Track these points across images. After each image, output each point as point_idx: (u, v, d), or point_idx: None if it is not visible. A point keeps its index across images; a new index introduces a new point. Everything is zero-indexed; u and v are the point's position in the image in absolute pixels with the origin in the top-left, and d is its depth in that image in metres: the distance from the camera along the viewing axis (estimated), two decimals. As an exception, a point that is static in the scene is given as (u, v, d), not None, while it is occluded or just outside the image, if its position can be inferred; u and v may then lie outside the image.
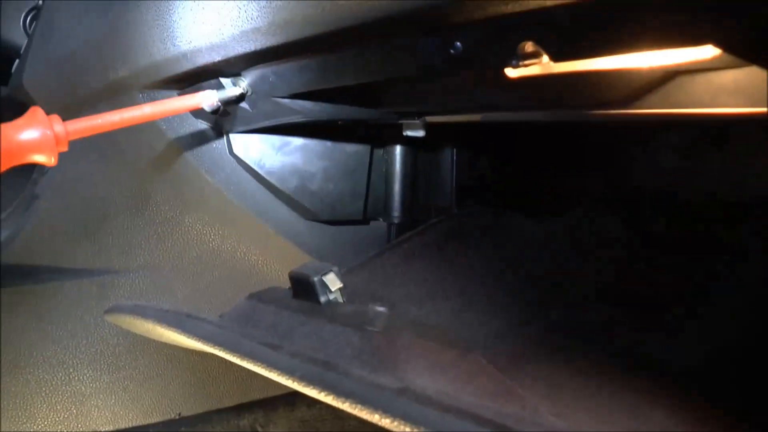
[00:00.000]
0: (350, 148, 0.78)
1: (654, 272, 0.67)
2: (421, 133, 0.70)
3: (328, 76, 0.58)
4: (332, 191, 0.77)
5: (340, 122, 0.70)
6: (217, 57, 0.59)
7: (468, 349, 0.43)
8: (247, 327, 0.50)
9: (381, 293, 0.64)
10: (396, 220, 0.81)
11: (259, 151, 0.74)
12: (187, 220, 0.78)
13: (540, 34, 0.39)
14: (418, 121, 0.68)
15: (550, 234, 0.76)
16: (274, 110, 0.66)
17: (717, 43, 0.33)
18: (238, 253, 0.77)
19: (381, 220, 0.82)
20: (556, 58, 0.40)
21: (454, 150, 0.84)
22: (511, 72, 0.45)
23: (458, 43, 0.43)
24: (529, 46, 0.40)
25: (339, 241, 0.79)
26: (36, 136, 0.45)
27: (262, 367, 0.40)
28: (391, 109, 0.67)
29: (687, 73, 0.42)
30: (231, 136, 0.73)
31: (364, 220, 0.81)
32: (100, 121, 0.50)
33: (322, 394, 0.35)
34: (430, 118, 0.68)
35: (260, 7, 0.51)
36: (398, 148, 0.80)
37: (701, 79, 0.42)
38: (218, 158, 0.73)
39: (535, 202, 0.86)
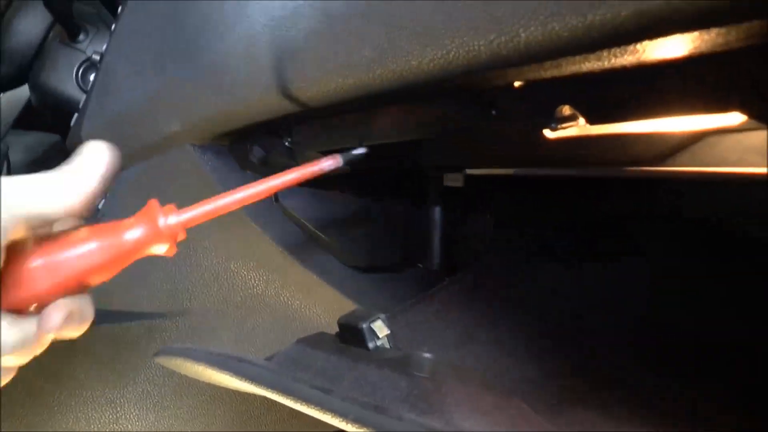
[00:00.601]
0: (390, 197, 0.81)
1: (688, 319, 0.68)
2: (459, 184, 0.73)
3: (371, 133, 0.61)
4: (372, 239, 0.80)
5: (382, 173, 0.73)
6: (268, 116, 0.63)
7: (508, 394, 0.45)
8: (297, 370, 0.52)
9: (420, 339, 0.66)
10: (435, 267, 0.83)
11: (302, 199, 0.77)
12: (232, 266, 0.80)
13: (576, 98, 0.42)
14: (458, 174, 0.71)
15: (580, 279, 0.77)
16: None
17: (743, 111, 0.35)
18: (281, 299, 0.80)
19: (420, 266, 0.84)
20: (592, 121, 0.42)
21: (492, 196, 0.86)
22: (549, 133, 0.48)
23: (499, 106, 0.46)
24: (566, 110, 0.43)
25: (380, 287, 0.81)
26: (153, 231, 0.43)
27: (317, 410, 0.43)
28: (433, 163, 0.70)
29: (716, 133, 0.45)
30: (276, 185, 0.76)
31: (404, 267, 0.84)
32: (212, 206, 0.46)
33: (376, 435, 0.38)
34: (470, 171, 0.71)
35: (316, 74, 0.54)
36: (436, 198, 0.82)
37: (730, 140, 0.44)
38: (264, 206, 0.76)
39: (568, 246, 0.87)
